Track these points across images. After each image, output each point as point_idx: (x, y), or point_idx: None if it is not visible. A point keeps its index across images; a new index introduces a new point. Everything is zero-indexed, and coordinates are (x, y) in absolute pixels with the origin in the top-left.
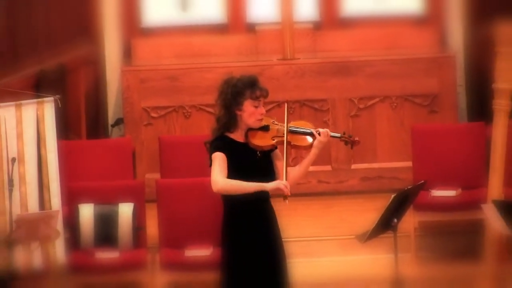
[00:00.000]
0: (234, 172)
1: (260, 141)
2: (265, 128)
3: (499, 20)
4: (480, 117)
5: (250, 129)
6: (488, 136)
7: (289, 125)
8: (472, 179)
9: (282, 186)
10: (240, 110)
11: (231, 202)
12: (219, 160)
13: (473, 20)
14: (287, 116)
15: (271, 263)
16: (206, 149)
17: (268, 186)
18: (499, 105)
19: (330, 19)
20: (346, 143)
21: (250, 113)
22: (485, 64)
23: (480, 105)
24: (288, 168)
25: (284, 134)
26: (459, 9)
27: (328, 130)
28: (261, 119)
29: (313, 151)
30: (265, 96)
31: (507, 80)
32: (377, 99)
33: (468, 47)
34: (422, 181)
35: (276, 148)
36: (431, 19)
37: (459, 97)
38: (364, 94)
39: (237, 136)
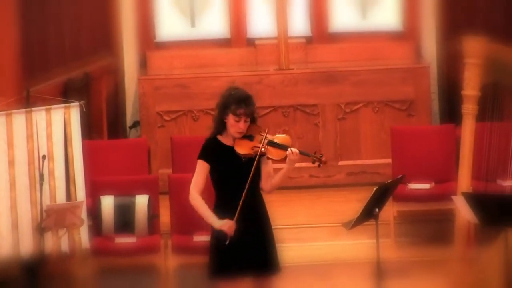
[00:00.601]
0: (219, 173)
1: (241, 148)
2: (250, 138)
3: (467, 36)
4: (450, 120)
5: None
6: (458, 136)
7: (270, 138)
8: (444, 174)
9: (225, 228)
10: (225, 119)
11: (221, 195)
12: (199, 170)
13: (445, 35)
14: (265, 137)
15: (257, 245)
16: None
17: (216, 224)
18: (467, 109)
19: (320, 34)
20: (313, 161)
21: (231, 124)
22: (455, 73)
23: (451, 109)
24: (273, 173)
25: (264, 144)
26: (433, 26)
27: (297, 150)
28: (241, 133)
29: (287, 167)
30: (248, 115)
31: (474, 87)
32: (361, 104)
33: (440, 59)
34: (400, 176)
35: (254, 157)
36: (408, 34)
37: (433, 103)
38: (349, 100)
39: (226, 139)
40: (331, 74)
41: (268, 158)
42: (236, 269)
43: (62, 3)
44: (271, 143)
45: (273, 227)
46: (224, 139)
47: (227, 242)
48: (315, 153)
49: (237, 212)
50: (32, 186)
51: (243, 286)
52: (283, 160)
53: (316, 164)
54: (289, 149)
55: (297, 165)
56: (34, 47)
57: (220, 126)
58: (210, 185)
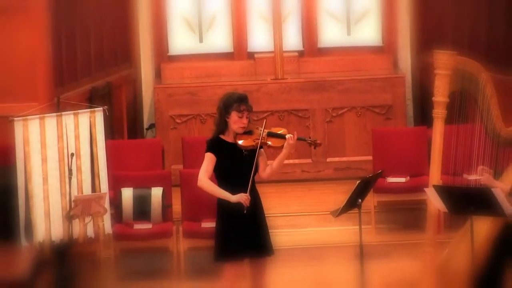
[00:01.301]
0: (224, 166)
1: (244, 142)
2: (250, 133)
3: (437, 50)
4: (423, 122)
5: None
6: (429, 137)
7: (268, 130)
8: (417, 169)
9: (242, 200)
10: (228, 118)
11: (224, 185)
12: (207, 161)
13: (418, 49)
14: (265, 126)
15: (255, 232)
16: None
17: (232, 198)
18: (437, 113)
19: (311, 48)
20: (310, 145)
21: (235, 121)
22: (427, 82)
23: (423, 113)
24: (268, 162)
25: (263, 137)
26: (408, 41)
27: (293, 136)
28: (243, 127)
29: (284, 151)
30: (249, 111)
31: (443, 94)
32: (346, 109)
33: (414, 70)
34: (380, 171)
35: (256, 148)
36: (387, 48)
37: (408, 108)
38: (336, 105)
39: (228, 137)
40: (320, 83)
41: (269, 146)
42: (237, 252)
43: (87, 21)
44: (270, 134)
45: (267, 215)
46: (227, 138)
47: (245, 211)
48: (309, 137)
49: (249, 187)
50: (62, 180)
51: (242, 267)
52: (282, 147)
53: (312, 147)
54: (288, 135)
55: (290, 161)
56: (63, 60)
57: (223, 126)
58: (213, 179)
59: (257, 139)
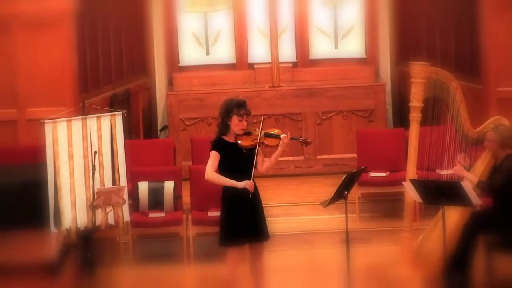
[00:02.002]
0: (226, 163)
1: (244, 142)
2: (249, 133)
3: (413, 61)
4: (401, 124)
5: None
6: (406, 137)
7: (264, 131)
8: (396, 165)
9: (248, 186)
10: (229, 121)
11: (228, 178)
12: (213, 157)
13: (397, 61)
14: (262, 127)
15: (254, 220)
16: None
17: (239, 184)
18: (413, 117)
19: (303, 60)
20: (301, 143)
21: (235, 124)
22: (405, 89)
23: (401, 116)
24: (266, 159)
25: (260, 137)
26: (388, 54)
27: (287, 136)
28: (243, 129)
29: (279, 149)
30: (248, 114)
31: (418, 100)
32: (334, 113)
33: (394, 79)
34: (363, 167)
35: (255, 147)
36: (370, 60)
37: (388, 112)
38: (325, 110)
39: (229, 138)
40: (312, 91)
41: (266, 146)
42: (239, 238)
43: (109, 36)
44: (266, 134)
45: (265, 205)
46: (228, 138)
47: (250, 196)
48: (301, 137)
49: (252, 175)
50: (86, 175)
51: (244, 251)
52: (277, 146)
53: (304, 145)
54: (282, 135)
55: (285, 158)
56: (88, 70)
57: (225, 129)
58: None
59: (255, 139)
